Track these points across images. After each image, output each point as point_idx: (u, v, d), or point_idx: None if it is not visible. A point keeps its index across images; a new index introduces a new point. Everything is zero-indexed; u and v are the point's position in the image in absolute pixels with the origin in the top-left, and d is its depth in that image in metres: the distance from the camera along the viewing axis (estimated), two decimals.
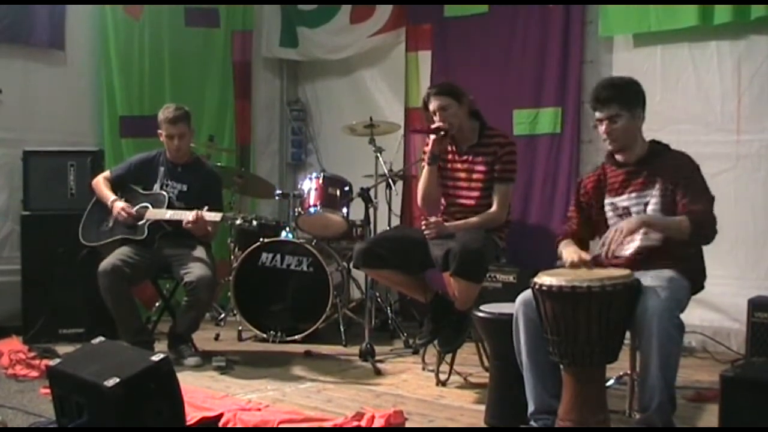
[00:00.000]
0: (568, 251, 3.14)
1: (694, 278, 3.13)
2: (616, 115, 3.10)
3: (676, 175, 3.08)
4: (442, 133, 3.88)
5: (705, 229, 3.01)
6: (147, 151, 4.73)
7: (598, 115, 3.15)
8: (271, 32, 6.59)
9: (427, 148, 3.98)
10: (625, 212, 3.19)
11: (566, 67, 5.13)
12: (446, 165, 4.04)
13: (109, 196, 4.44)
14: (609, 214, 3.25)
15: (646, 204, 3.13)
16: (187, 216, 4.21)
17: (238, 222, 4.23)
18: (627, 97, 3.13)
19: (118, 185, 4.53)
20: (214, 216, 4.23)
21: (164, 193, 4.44)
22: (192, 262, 4.26)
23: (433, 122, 3.92)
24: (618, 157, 3.23)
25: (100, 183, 4.53)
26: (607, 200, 3.25)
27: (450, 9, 5.62)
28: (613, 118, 3.10)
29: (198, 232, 4.30)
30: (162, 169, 4.53)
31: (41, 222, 4.78)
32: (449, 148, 4.02)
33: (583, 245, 3.29)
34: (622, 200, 3.20)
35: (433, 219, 3.90)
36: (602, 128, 3.15)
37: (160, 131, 4.49)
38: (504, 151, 3.91)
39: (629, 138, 3.15)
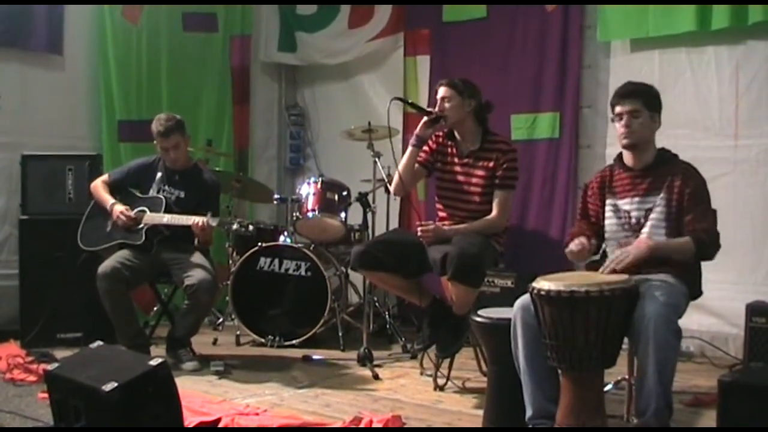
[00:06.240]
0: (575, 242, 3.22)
1: (692, 283, 3.15)
2: (637, 110, 3.15)
3: (683, 189, 3.11)
4: (433, 116, 3.94)
5: (709, 248, 3.06)
6: (145, 154, 4.74)
7: (618, 109, 3.20)
8: (269, 37, 6.59)
9: (417, 131, 4.00)
10: (626, 216, 3.20)
11: (564, 72, 5.13)
12: (445, 168, 4.04)
13: (108, 199, 4.44)
14: (609, 214, 3.27)
15: (648, 210, 3.14)
16: (194, 220, 4.21)
17: (234, 227, 4.23)
18: (649, 98, 3.20)
19: (115, 189, 4.53)
20: (212, 220, 4.23)
21: (161, 197, 4.44)
22: (192, 266, 4.26)
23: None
24: (626, 159, 3.26)
25: (99, 187, 4.53)
26: (609, 201, 3.28)
27: (448, 14, 5.63)
28: (633, 113, 3.15)
29: (203, 238, 4.31)
30: (159, 174, 4.53)
31: (39, 226, 4.77)
32: (449, 151, 4.03)
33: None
34: (624, 203, 3.22)
35: (432, 226, 3.90)
36: (621, 123, 3.18)
37: (155, 141, 4.49)
38: (506, 158, 3.91)
39: (645, 137, 3.19)
